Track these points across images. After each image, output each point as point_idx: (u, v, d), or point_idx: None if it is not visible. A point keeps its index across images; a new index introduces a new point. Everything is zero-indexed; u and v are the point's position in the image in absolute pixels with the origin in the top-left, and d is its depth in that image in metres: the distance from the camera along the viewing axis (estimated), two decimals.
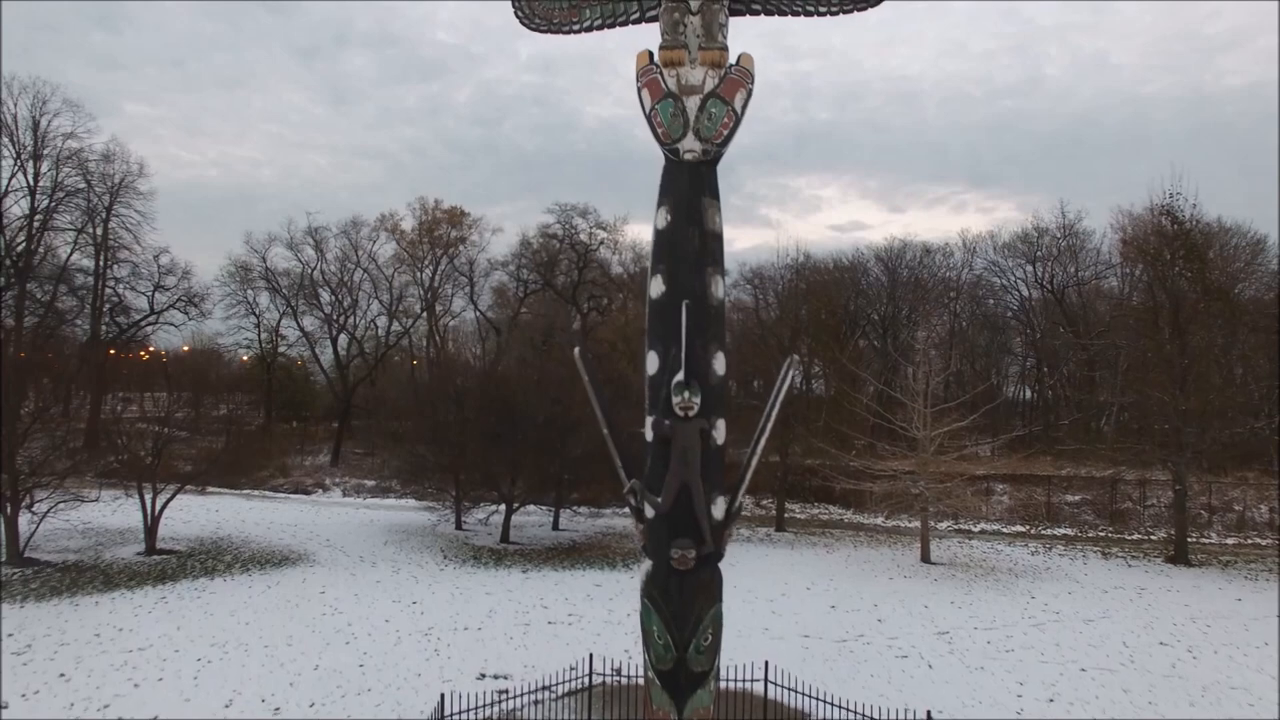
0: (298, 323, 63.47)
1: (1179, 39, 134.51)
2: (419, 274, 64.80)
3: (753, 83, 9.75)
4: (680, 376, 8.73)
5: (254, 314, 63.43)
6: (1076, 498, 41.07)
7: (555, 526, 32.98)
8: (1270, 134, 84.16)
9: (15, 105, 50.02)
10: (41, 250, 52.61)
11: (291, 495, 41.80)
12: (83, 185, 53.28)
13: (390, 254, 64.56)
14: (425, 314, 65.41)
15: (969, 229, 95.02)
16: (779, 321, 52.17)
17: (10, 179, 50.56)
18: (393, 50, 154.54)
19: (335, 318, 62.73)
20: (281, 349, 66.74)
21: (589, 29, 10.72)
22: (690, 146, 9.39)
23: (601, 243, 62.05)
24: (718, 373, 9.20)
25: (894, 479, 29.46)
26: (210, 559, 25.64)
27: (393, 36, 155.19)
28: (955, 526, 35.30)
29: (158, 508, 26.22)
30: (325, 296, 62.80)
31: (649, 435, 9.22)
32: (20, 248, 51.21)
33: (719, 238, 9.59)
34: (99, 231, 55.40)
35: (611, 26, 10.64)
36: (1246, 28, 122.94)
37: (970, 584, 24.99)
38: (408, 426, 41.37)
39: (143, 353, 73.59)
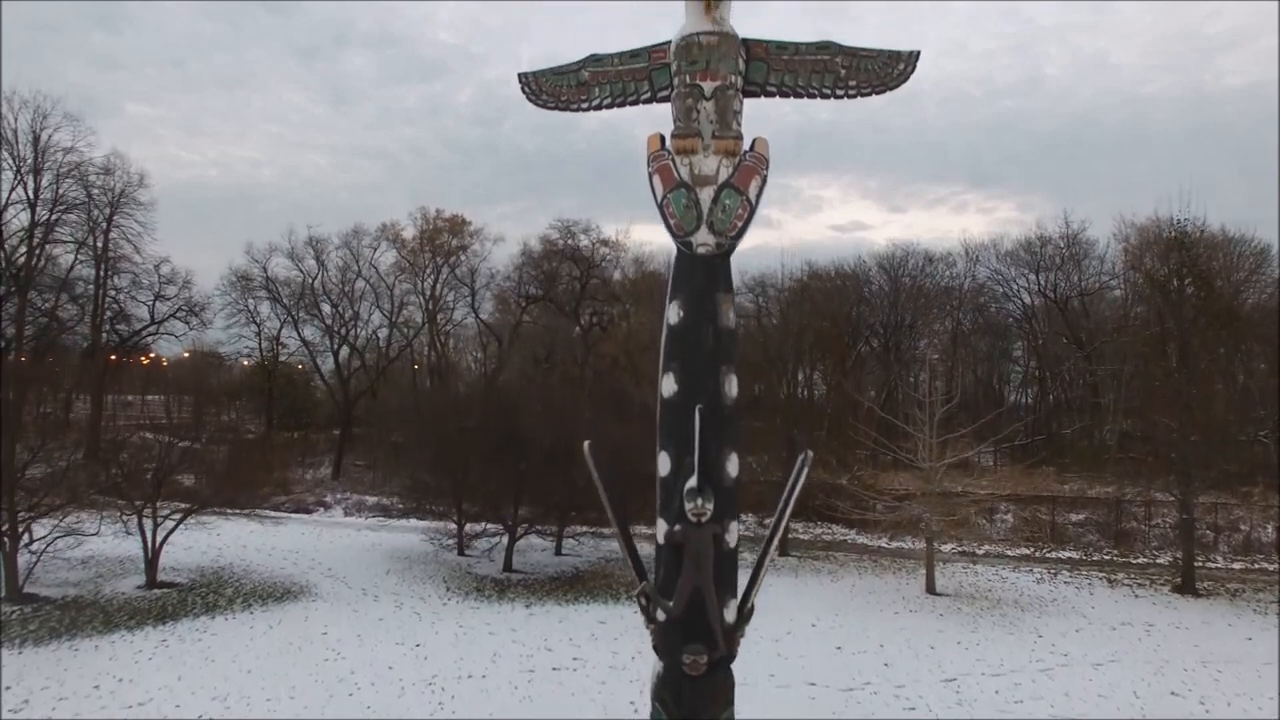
0: (298, 333, 63.41)
1: (1179, 39, 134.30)
2: (420, 283, 64.66)
3: (768, 168, 9.48)
4: (693, 483, 8.59)
5: (255, 323, 63.41)
6: (1081, 516, 40.88)
7: (558, 551, 32.81)
8: (1270, 134, 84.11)
9: (15, 119, 49.89)
10: (42, 262, 52.46)
11: (293, 515, 41.62)
12: (83, 199, 53.13)
13: (391, 262, 64.49)
14: (427, 325, 65.28)
15: (970, 231, 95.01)
16: (781, 331, 51.94)
17: (10, 192, 50.45)
18: (393, 50, 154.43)
19: (336, 329, 62.57)
20: (282, 358, 66.66)
21: (597, 107, 10.39)
22: (704, 240, 9.13)
23: (604, 259, 61.91)
24: (730, 475, 8.96)
25: (899, 507, 29.29)
26: (211, 593, 25.47)
27: (393, 36, 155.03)
28: (959, 549, 35.11)
29: (158, 540, 26.02)
30: (326, 309, 62.69)
31: (660, 538, 9.05)
32: (20, 260, 51.03)
33: (733, 333, 9.33)
34: (100, 244, 55.25)
35: (621, 105, 10.30)
36: (1246, 28, 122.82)
37: (976, 619, 24.82)
38: (410, 437, 41.17)
39: (143, 358, 73.56)
